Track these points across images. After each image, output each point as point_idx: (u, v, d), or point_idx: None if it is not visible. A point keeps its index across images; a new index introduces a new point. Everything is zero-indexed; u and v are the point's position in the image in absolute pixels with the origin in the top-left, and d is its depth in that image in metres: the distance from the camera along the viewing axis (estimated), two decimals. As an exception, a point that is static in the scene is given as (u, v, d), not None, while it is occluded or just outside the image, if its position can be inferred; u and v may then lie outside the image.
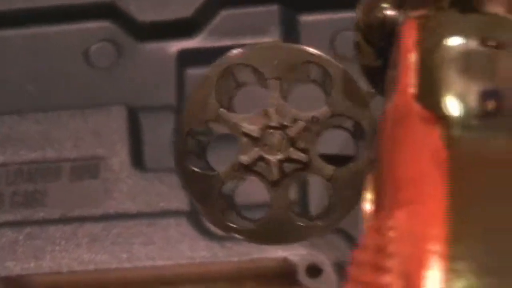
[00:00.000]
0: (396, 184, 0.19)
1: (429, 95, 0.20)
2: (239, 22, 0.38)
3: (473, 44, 0.20)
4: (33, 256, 0.36)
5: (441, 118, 0.19)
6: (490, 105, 0.19)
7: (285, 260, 0.34)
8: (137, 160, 0.37)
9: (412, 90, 0.20)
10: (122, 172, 0.37)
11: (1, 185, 0.37)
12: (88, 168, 0.37)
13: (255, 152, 0.25)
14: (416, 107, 0.20)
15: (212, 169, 0.26)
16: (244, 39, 0.38)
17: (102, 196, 0.36)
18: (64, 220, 0.36)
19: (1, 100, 0.39)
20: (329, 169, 0.25)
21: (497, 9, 0.21)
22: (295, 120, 0.25)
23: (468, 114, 0.19)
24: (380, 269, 0.18)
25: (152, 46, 0.38)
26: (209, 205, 0.25)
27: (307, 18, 0.38)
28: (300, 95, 0.26)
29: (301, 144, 0.25)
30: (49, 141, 0.37)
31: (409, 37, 0.21)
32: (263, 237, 0.25)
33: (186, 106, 0.25)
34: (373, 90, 0.25)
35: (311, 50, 0.25)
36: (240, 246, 0.34)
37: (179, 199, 0.36)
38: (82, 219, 0.36)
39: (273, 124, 0.25)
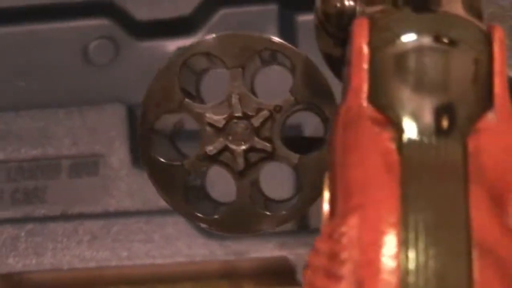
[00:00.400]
0: (348, 188, 0.19)
1: (381, 97, 0.19)
2: (237, 21, 0.38)
3: (426, 41, 0.20)
4: (34, 253, 0.36)
5: (393, 120, 0.19)
6: (443, 106, 0.19)
7: (284, 259, 0.35)
8: (136, 158, 0.37)
9: (364, 91, 0.19)
10: (121, 170, 0.37)
11: (1, 182, 0.37)
12: (87, 166, 0.37)
13: (220, 142, 0.25)
14: (368, 108, 0.19)
15: (178, 160, 0.25)
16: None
17: (101, 193, 0.37)
18: (65, 217, 0.37)
19: (-1, 96, 0.39)
20: (294, 157, 0.25)
21: (452, 7, 0.21)
22: (258, 109, 0.25)
23: (420, 117, 0.19)
24: (333, 276, 0.18)
25: (151, 44, 0.39)
26: (175, 195, 0.25)
27: (305, 17, 0.38)
28: (266, 82, 0.26)
29: (266, 133, 0.25)
30: (48, 139, 0.38)
31: (361, 35, 0.20)
32: (229, 227, 0.25)
33: (148, 96, 0.25)
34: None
35: (272, 38, 0.25)
36: (238, 244, 0.35)
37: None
38: (82, 216, 0.36)
39: (237, 114, 0.25)
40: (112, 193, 0.37)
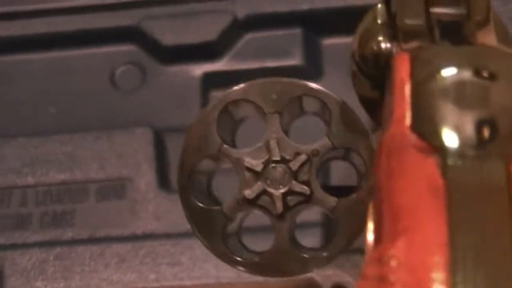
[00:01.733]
0: (394, 213, 0.20)
1: (424, 126, 0.20)
2: (262, 45, 0.39)
3: (467, 74, 0.20)
4: (62, 276, 0.36)
5: (437, 147, 0.20)
6: (486, 133, 0.20)
7: (310, 280, 0.35)
8: (163, 181, 0.38)
9: (407, 120, 0.20)
10: (148, 193, 0.37)
11: (30, 206, 0.38)
12: (114, 189, 0.38)
13: (258, 186, 0.25)
14: (412, 137, 0.20)
15: (216, 204, 0.26)
16: (267, 62, 0.39)
17: (129, 216, 0.37)
18: (93, 240, 0.37)
19: (27, 121, 0.40)
20: (331, 200, 0.25)
21: (488, 40, 0.22)
22: (296, 154, 0.25)
23: (463, 143, 0.20)
24: None
25: (177, 69, 0.39)
26: (214, 239, 0.26)
27: (329, 41, 0.39)
28: (301, 127, 0.27)
29: (303, 177, 0.25)
30: (76, 163, 0.38)
31: (402, 69, 0.21)
32: (267, 270, 0.26)
33: (186, 142, 0.26)
34: (374, 123, 0.25)
35: (308, 83, 0.26)
36: (266, 266, 0.35)
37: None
38: (109, 240, 0.37)
39: (275, 158, 0.25)
40: (140, 216, 0.37)
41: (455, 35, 0.22)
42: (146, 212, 0.37)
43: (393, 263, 0.19)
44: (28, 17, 0.40)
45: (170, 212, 0.37)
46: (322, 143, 0.25)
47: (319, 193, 0.25)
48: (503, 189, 0.19)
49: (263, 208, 0.25)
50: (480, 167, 0.19)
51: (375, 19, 0.24)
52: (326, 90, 0.25)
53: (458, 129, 0.20)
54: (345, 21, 0.38)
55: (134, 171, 0.38)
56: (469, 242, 0.19)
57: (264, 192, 0.25)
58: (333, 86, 0.38)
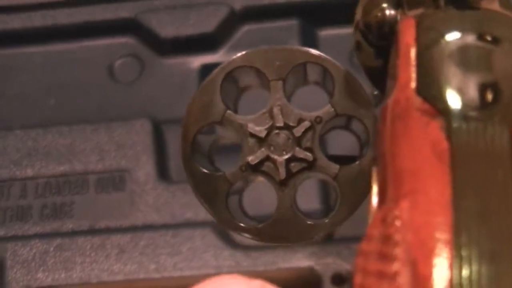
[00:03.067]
0: (399, 175, 0.20)
1: (429, 89, 0.20)
2: (259, 37, 0.39)
3: (471, 39, 0.21)
4: (63, 267, 0.37)
5: (441, 110, 0.20)
6: (489, 96, 0.20)
7: (310, 269, 0.35)
8: (162, 172, 0.38)
9: (412, 84, 0.20)
10: (148, 184, 0.38)
11: (30, 198, 0.38)
12: (114, 181, 0.38)
13: (262, 152, 0.25)
14: (417, 100, 0.20)
15: (219, 170, 0.26)
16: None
17: (128, 208, 0.37)
18: (93, 232, 0.37)
19: (27, 114, 0.40)
20: (334, 167, 0.25)
21: (492, 5, 0.22)
22: (299, 120, 0.25)
23: (467, 105, 0.20)
24: (387, 257, 0.19)
25: (175, 61, 0.39)
26: (217, 205, 0.26)
27: (326, 32, 0.39)
28: (303, 96, 0.27)
29: (307, 144, 0.25)
30: (75, 154, 0.38)
31: (408, 34, 0.21)
32: (271, 236, 0.26)
33: (190, 108, 0.26)
34: (376, 92, 0.25)
35: (312, 51, 0.25)
36: (265, 255, 0.35)
37: (204, 210, 0.37)
38: (109, 231, 0.37)
39: (278, 124, 0.25)
40: (139, 207, 0.37)
41: (459, 1, 0.22)
42: (146, 203, 0.37)
43: (398, 223, 0.19)
44: (27, 10, 0.40)
45: (170, 203, 0.37)
46: (325, 110, 0.25)
47: (322, 160, 0.25)
48: (506, 152, 0.19)
49: (266, 174, 0.25)
50: (483, 130, 0.20)
51: None
52: (330, 58, 0.25)
53: (462, 92, 0.20)
54: (342, 12, 0.38)
55: (133, 163, 0.38)
56: (472, 204, 0.19)
57: (267, 158, 0.25)
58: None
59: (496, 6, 0.22)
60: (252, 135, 0.25)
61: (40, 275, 0.37)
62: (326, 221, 0.25)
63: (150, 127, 0.38)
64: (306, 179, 0.26)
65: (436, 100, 0.20)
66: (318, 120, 0.25)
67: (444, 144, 0.19)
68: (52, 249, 0.37)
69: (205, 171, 0.26)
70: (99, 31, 0.40)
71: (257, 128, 0.25)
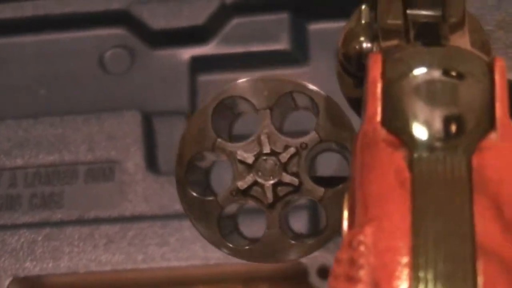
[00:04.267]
0: (365, 201, 0.21)
1: (394, 121, 0.21)
2: (250, 30, 0.39)
3: (436, 74, 0.22)
4: (51, 256, 0.37)
5: (405, 141, 0.21)
6: (453, 128, 0.21)
7: (297, 262, 0.35)
8: (151, 163, 0.38)
9: (378, 117, 0.22)
10: (137, 175, 0.38)
11: (19, 188, 0.38)
12: (103, 171, 0.38)
13: (250, 177, 0.26)
14: (382, 132, 0.21)
15: (211, 194, 0.27)
16: (254, 46, 0.39)
17: (117, 198, 0.38)
18: (81, 222, 0.37)
19: (17, 104, 0.40)
20: (319, 191, 0.26)
21: (461, 42, 0.23)
22: (286, 147, 0.26)
23: (431, 137, 0.21)
24: (353, 279, 0.20)
25: (165, 53, 0.40)
26: (209, 227, 0.27)
27: (316, 26, 0.39)
28: (296, 121, 0.28)
29: (293, 169, 0.26)
30: (65, 144, 0.38)
31: (375, 68, 0.22)
32: (260, 256, 0.27)
33: (185, 134, 0.27)
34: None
35: (298, 81, 0.27)
36: (252, 247, 0.35)
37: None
38: (98, 221, 0.37)
39: (265, 151, 0.26)
40: (128, 197, 0.37)
41: (430, 36, 0.23)
42: (135, 194, 0.38)
43: (362, 247, 0.20)
44: (17, 0, 0.40)
45: (158, 194, 0.37)
46: (310, 136, 0.27)
47: (308, 184, 0.26)
48: (464, 179, 0.21)
49: (255, 198, 0.27)
50: (444, 160, 0.21)
51: (359, 19, 0.26)
52: (313, 87, 0.27)
53: (427, 124, 0.21)
54: (332, 6, 0.38)
55: (123, 154, 0.38)
56: (431, 229, 0.20)
57: (255, 183, 0.26)
58: (320, 70, 0.39)
59: (466, 43, 0.24)
60: (241, 161, 0.26)
61: (28, 264, 0.37)
62: (312, 242, 0.27)
63: (140, 118, 0.38)
64: (293, 202, 0.27)
65: (401, 132, 0.21)
66: (303, 146, 0.26)
67: (406, 173, 0.21)
68: (40, 238, 0.37)
69: (197, 195, 0.27)
70: (91, 22, 0.40)
71: (246, 155, 0.26)
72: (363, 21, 0.25)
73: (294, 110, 0.28)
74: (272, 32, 0.39)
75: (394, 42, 0.23)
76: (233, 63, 0.39)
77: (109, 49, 0.40)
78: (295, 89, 0.27)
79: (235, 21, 0.39)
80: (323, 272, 0.35)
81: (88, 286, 0.37)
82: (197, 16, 0.39)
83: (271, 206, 0.26)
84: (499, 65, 0.22)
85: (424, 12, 0.23)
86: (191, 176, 0.27)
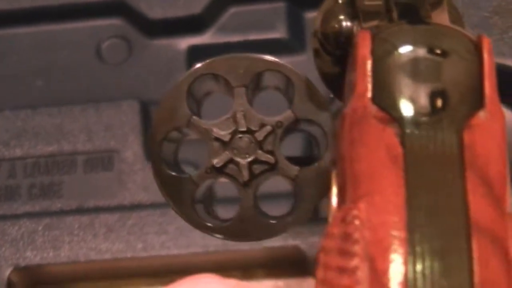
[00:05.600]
0: (357, 178, 0.21)
1: (384, 98, 0.22)
2: (246, 19, 0.39)
3: (421, 52, 0.22)
4: (51, 246, 0.37)
5: (396, 118, 0.21)
6: (438, 103, 0.22)
7: (295, 248, 0.36)
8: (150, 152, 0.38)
9: (368, 94, 0.22)
10: (136, 164, 0.38)
11: (18, 178, 0.38)
12: (102, 161, 0.38)
13: (226, 155, 0.26)
14: (372, 108, 0.22)
15: (185, 172, 0.27)
16: (251, 35, 0.39)
17: (116, 187, 0.38)
18: (81, 211, 0.37)
19: (15, 95, 0.40)
20: (294, 169, 0.26)
21: (442, 19, 0.24)
22: (261, 125, 0.26)
23: (418, 112, 0.21)
24: (347, 254, 0.20)
25: (162, 42, 0.40)
26: (184, 206, 0.27)
27: (313, 14, 0.39)
28: (265, 101, 0.28)
29: (268, 147, 0.26)
30: (63, 135, 0.39)
31: (364, 46, 0.22)
32: (236, 235, 0.27)
33: (158, 113, 0.27)
34: (331, 95, 0.27)
35: (274, 59, 0.27)
36: (251, 235, 0.36)
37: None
38: (98, 210, 0.37)
39: (241, 129, 0.26)
40: (127, 186, 0.38)
41: (412, 15, 0.23)
42: (134, 183, 0.38)
43: (357, 222, 0.20)
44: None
45: (157, 183, 0.37)
46: (286, 115, 0.26)
47: (283, 162, 0.26)
48: (454, 154, 0.21)
49: (230, 176, 0.26)
50: (434, 135, 0.21)
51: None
52: (290, 66, 0.27)
53: (413, 100, 0.22)
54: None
55: (122, 143, 0.38)
56: (425, 204, 0.20)
57: (231, 160, 0.26)
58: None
59: (446, 20, 0.24)
60: (217, 139, 0.26)
61: (28, 253, 0.37)
62: (287, 220, 0.27)
63: (138, 107, 0.39)
64: (267, 180, 0.27)
65: (390, 108, 0.22)
66: (279, 124, 0.26)
67: (398, 149, 0.21)
68: (40, 228, 0.37)
69: (172, 173, 0.27)
70: (87, 12, 0.40)
71: (221, 133, 0.26)
72: (340, 1, 0.26)
73: (267, 89, 0.28)
74: (268, 21, 0.39)
75: (375, 22, 0.24)
76: (230, 52, 0.39)
77: (107, 40, 0.40)
78: (271, 67, 0.27)
79: (232, 10, 0.40)
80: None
81: (88, 274, 0.38)
82: (194, 5, 0.39)
83: (246, 184, 0.26)
84: (487, 43, 0.22)
85: None
86: (165, 155, 0.27)
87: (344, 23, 0.25)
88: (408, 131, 0.21)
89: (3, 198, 0.38)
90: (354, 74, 0.22)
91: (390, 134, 0.21)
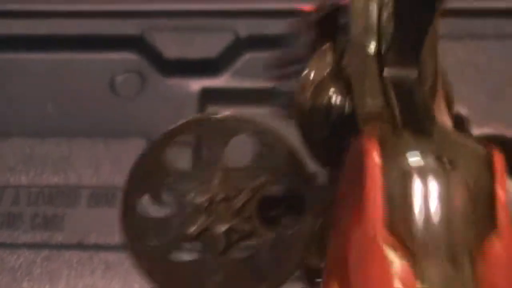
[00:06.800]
0: None
1: (396, 225, 0.20)
2: (261, 65, 0.39)
3: (431, 174, 0.20)
4: (48, 278, 0.37)
5: (410, 249, 0.20)
6: (454, 235, 0.20)
7: None
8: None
9: (381, 219, 0.20)
10: (139, 203, 0.38)
11: (22, 205, 0.38)
12: (106, 196, 0.38)
13: (202, 223, 0.25)
14: (386, 236, 0.20)
15: (161, 240, 0.26)
16: (265, 81, 0.39)
17: (118, 225, 0.38)
18: (81, 246, 0.37)
19: (24, 120, 0.40)
20: (271, 234, 0.26)
21: (438, 103, 0.22)
22: (239, 191, 0.25)
23: (433, 244, 0.20)
24: None
25: (176, 82, 0.40)
26: (158, 274, 0.26)
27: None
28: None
29: (246, 213, 0.25)
30: (70, 166, 0.39)
31: (373, 163, 0.20)
32: None
33: (130, 176, 0.26)
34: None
35: (256, 121, 0.26)
36: None
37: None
38: (98, 246, 0.37)
39: (218, 197, 0.25)
40: (129, 225, 0.38)
41: (417, 120, 0.21)
42: (135, 222, 0.38)
43: None
44: (32, 17, 0.40)
45: (159, 224, 0.37)
46: (264, 179, 0.25)
47: (260, 228, 0.26)
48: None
49: (206, 244, 0.25)
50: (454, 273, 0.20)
51: (321, 68, 0.24)
52: (272, 128, 0.25)
53: (427, 230, 0.20)
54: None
55: (127, 180, 0.38)
56: None
57: (207, 229, 0.25)
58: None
59: (440, 101, 0.22)
60: (193, 205, 0.25)
61: (25, 284, 0.37)
62: (268, 282, 0.26)
63: (145, 145, 0.38)
64: (244, 247, 0.26)
65: (403, 237, 0.20)
66: (257, 189, 0.25)
67: (413, 283, 0.20)
68: (39, 259, 0.37)
69: (142, 242, 0.26)
70: (105, 45, 0.40)
71: (198, 200, 0.25)
72: (326, 72, 0.23)
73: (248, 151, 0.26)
74: (283, 70, 0.39)
75: (376, 124, 0.22)
76: (242, 97, 0.39)
77: (121, 73, 0.40)
78: (250, 130, 0.25)
79: (247, 55, 0.40)
80: None
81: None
82: (211, 48, 0.39)
83: (223, 252, 0.25)
84: (498, 160, 0.21)
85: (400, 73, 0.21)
86: (138, 222, 0.26)
87: (334, 97, 0.23)
88: (424, 264, 0.20)
89: (5, 225, 0.38)
90: (362, 192, 0.20)
91: (405, 265, 0.20)
